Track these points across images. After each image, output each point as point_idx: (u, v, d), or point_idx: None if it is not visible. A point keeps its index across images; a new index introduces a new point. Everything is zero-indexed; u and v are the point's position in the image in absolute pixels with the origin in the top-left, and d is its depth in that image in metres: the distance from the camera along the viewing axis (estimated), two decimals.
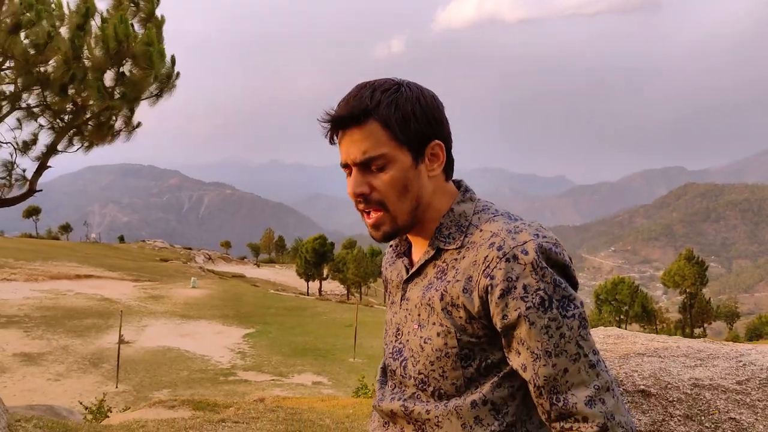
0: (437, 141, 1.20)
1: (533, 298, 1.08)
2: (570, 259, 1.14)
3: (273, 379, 19.77)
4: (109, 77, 10.02)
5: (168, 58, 10.64)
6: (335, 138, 1.21)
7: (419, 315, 1.21)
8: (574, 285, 1.13)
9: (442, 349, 1.16)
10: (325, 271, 62.71)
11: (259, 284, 54.62)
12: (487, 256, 1.12)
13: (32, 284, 35.29)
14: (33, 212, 78.82)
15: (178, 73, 11.14)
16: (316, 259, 59.83)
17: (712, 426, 1.34)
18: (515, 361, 1.13)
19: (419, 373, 1.20)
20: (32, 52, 9.13)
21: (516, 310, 1.09)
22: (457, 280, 1.16)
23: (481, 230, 1.18)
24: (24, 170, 10.46)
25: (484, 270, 1.12)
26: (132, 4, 10.90)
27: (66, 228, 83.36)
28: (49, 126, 10.26)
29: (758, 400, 1.36)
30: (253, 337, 26.92)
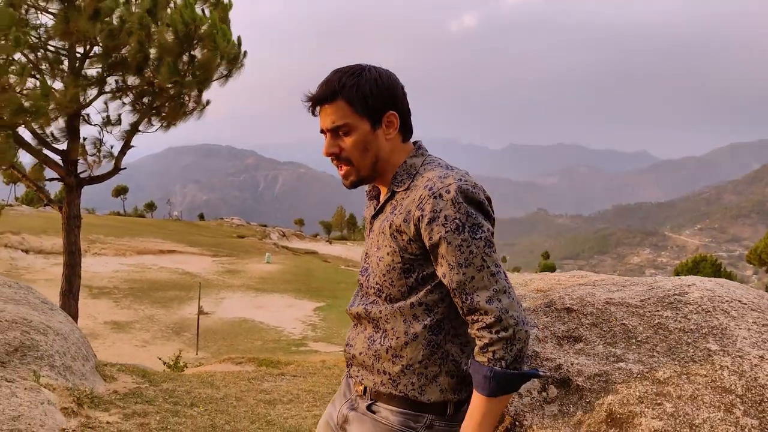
0: (392, 111, 1.57)
1: (451, 225, 1.43)
2: (487, 199, 1.49)
3: (342, 350, 20.44)
4: (182, 60, 10.65)
5: (234, 39, 11.22)
6: (316, 112, 1.58)
7: (378, 240, 1.59)
8: (489, 217, 1.48)
9: (391, 264, 1.54)
10: None
11: (331, 260, 55.76)
12: (421, 194, 1.48)
13: (120, 258, 37.32)
14: (121, 191, 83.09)
15: (245, 53, 11.69)
16: None
17: (608, 329, 1.61)
18: (439, 272, 1.48)
19: (376, 284, 1.58)
20: (104, 35, 9.74)
21: (438, 233, 1.44)
22: (401, 213, 1.52)
23: (422, 176, 1.54)
24: (111, 147, 11.32)
25: (418, 205, 1.48)
26: None
27: (151, 206, 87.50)
28: (131, 107, 11.05)
29: (648, 312, 1.61)
30: (324, 310, 27.72)
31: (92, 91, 10.83)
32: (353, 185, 1.61)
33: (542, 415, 1.55)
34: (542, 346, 1.66)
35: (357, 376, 1.63)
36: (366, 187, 1.74)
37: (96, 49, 10.56)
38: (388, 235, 1.54)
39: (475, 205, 1.45)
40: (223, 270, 37.73)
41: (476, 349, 1.44)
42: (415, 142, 1.65)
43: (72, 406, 3.30)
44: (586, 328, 1.63)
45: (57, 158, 10.47)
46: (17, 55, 9.66)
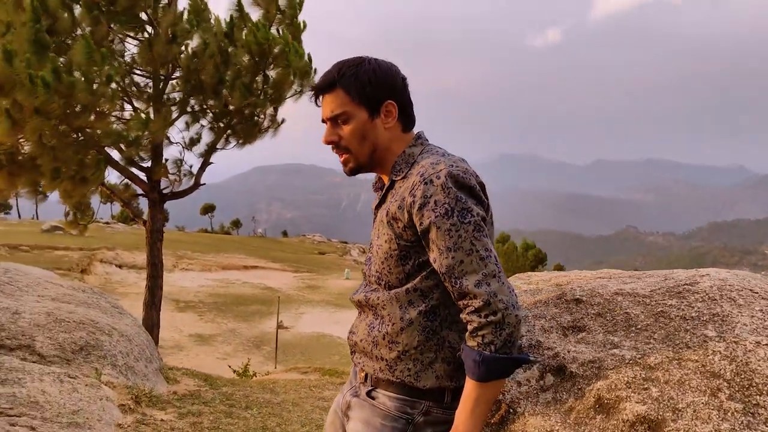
0: (390, 101, 1.60)
1: (440, 210, 1.44)
2: (478, 184, 1.50)
3: None
4: (256, 80, 11.06)
5: (305, 57, 11.55)
6: (318, 102, 1.63)
7: (378, 229, 1.62)
8: (481, 202, 1.50)
9: (388, 251, 1.57)
10: None
11: None
12: (413, 181, 1.51)
13: (206, 273, 38.72)
14: (209, 209, 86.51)
15: (315, 70, 12.02)
16: None
17: (610, 317, 1.61)
18: (431, 257, 1.49)
19: (376, 271, 1.61)
20: (186, 60, 10.25)
21: (428, 218, 1.45)
22: (396, 200, 1.55)
23: (418, 164, 1.56)
24: (191, 166, 11.87)
25: (410, 191, 1.50)
26: (278, 13, 11.85)
27: (236, 224, 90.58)
28: (210, 127, 11.57)
29: (654, 301, 1.60)
30: None
31: (174, 113, 11.42)
32: (352, 172, 1.64)
33: (536, 403, 1.55)
34: (546, 336, 1.65)
35: (359, 363, 1.67)
36: (373, 180, 1.78)
37: (177, 72, 11.15)
38: (385, 223, 1.57)
39: (465, 190, 1.46)
40: (304, 285, 38.47)
41: (467, 334, 1.44)
42: (417, 133, 1.67)
43: (129, 403, 3.48)
44: (591, 318, 1.62)
45: (142, 175, 11.06)
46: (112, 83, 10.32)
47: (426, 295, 1.53)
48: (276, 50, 10.90)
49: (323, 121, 1.63)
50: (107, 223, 44.33)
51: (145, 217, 11.52)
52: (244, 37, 10.78)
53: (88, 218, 12.83)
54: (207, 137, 11.67)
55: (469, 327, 1.43)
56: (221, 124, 11.56)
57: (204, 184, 11.87)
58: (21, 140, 9.24)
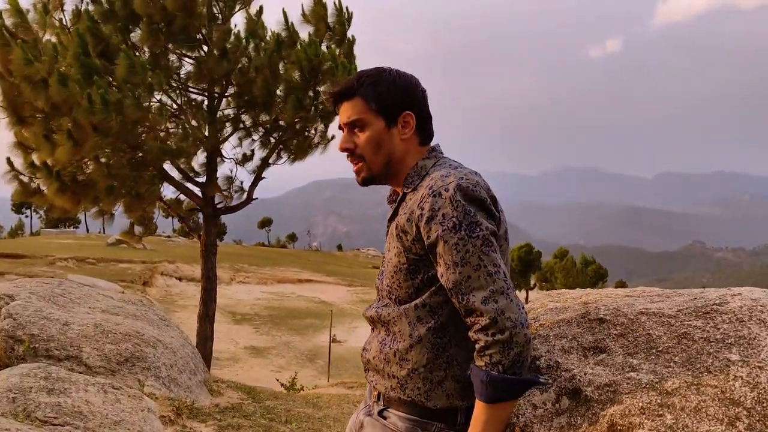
0: (408, 112, 1.58)
1: (448, 223, 1.41)
2: (489, 198, 1.46)
3: None
4: (307, 96, 11.24)
5: (354, 72, 11.67)
6: (337, 109, 1.63)
7: (389, 242, 1.60)
8: (492, 216, 1.46)
9: (398, 265, 1.53)
10: (533, 280, 61.61)
11: None
12: (423, 194, 1.48)
13: (262, 287, 39.35)
14: (266, 223, 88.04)
15: None
16: (522, 267, 59.10)
17: (632, 338, 1.53)
18: (438, 271, 1.45)
19: (387, 286, 1.58)
20: (238, 76, 10.50)
21: (435, 232, 1.42)
22: (405, 213, 1.52)
23: (429, 177, 1.53)
24: (242, 182, 12.11)
25: (418, 204, 1.47)
26: (328, 30, 12.04)
27: (292, 237, 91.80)
28: (262, 142, 11.80)
29: (679, 321, 1.52)
30: None
31: (227, 129, 11.70)
32: (365, 182, 1.63)
33: (549, 427, 1.49)
34: (566, 356, 1.59)
35: (372, 381, 1.63)
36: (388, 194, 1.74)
37: (230, 89, 11.44)
38: (395, 235, 1.54)
39: (476, 203, 1.43)
40: (357, 299, 38.62)
41: (474, 353, 1.40)
42: (432, 146, 1.64)
43: (170, 415, 3.54)
44: (613, 338, 1.56)
45: (197, 190, 11.35)
46: (159, 96, 10.68)
47: (435, 311, 1.49)
48: (325, 66, 11.05)
49: (340, 127, 1.63)
50: (169, 236, 45.67)
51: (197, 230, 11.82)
52: (295, 53, 10.98)
53: (145, 231, 13.22)
54: (259, 153, 11.91)
55: (477, 346, 1.39)
56: (272, 140, 11.77)
57: (256, 198, 12.08)
58: (82, 161, 9.63)
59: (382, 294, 1.62)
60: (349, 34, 12.11)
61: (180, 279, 33.67)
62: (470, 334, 1.40)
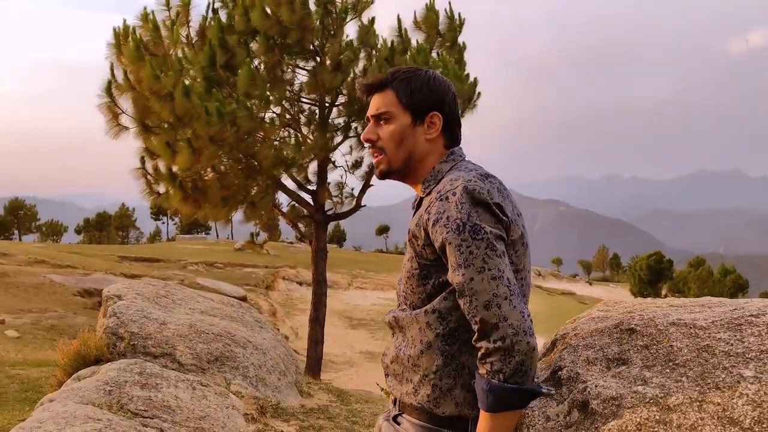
0: (436, 112, 1.57)
1: (452, 225, 1.39)
2: (497, 200, 1.43)
3: None
4: None
5: (467, 80, 11.61)
6: (368, 99, 1.64)
7: (406, 248, 1.59)
8: (498, 219, 1.41)
9: (410, 270, 1.53)
10: (664, 291, 58.26)
11: (588, 302, 53.19)
12: (432, 198, 1.48)
13: (379, 292, 39.90)
14: (383, 230, 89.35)
15: (479, 94, 12.03)
16: (651, 277, 56.07)
17: (655, 350, 1.45)
18: (448, 276, 1.43)
19: (403, 291, 1.57)
20: (349, 86, 10.76)
21: (441, 234, 1.41)
22: (416, 218, 1.52)
23: (442, 181, 1.52)
24: (352, 189, 12.36)
25: (427, 208, 1.47)
26: (438, 36, 12.08)
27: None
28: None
29: (705, 334, 1.42)
30: None
31: (338, 138, 12.00)
32: (382, 175, 1.62)
33: None
34: (588, 368, 1.52)
35: (390, 386, 1.63)
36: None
37: (341, 98, 11.73)
38: (407, 241, 1.55)
39: (482, 206, 1.40)
40: None
41: (477, 360, 1.37)
42: (451, 149, 1.61)
43: (254, 413, 3.67)
44: (637, 350, 1.47)
45: (308, 197, 11.72)
46: (276, 109, 11.17)
47: (444, 317, 1.46)
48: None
49: (367, 118, 1.64)
50: (291, 242, 47.44)
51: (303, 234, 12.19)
52: (406, 61, 11.08)
53: (266, 238, 13.82)
54: (368, 160, 12.10)
55: (479, 353, 1.35)
56: None
57: (365, 205, 12.28)
58: (202, 169, 10.27)
59: (399, 299, 1.61)
60: (460, 39, 12.10)
61: (300, 283, 34.83)
62: (474, 339, 1.37)
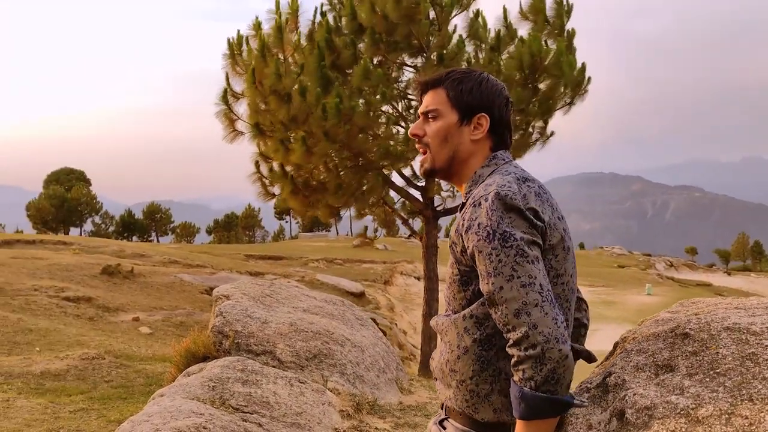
0: (484, 114, 1.56)
1: (482, 233, 1.38)
2: (532, 204, 1.39)
3: None
4: (526, 91, 11.02)
5: (578, 66, 11.19)
6: (421, 98, 1.65)
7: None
8: (532, 224, 1.38)
9: (452, 276, 1.53)
10: None
11: (726, 293, 49.71)
12: (468, 204, 1.47)
13: None
14: None
15: (588, 79, 11.57)
16: None
17: (701, 357, 1.38)
18: (480, 284, 1.42)
19: (446, 296, 1.58)
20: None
21: (472, 242, 1.41)
22: (455, 223, 1.52)
23: (479, 186, 1.50)
24: None
25: (462, 215, 1.48)
26: (547, 24, 11.74)
27: None
28: None
29: (757, 341, 1.33)
30: None
31: None
32: (426, 173, 1.63)
33: None
34: (635, 374, 1.46)
35: (438, 390, 1.63)
36: None
37: None
38: (448, 246, 1.54)
39: (514, 211, 1.38)
40: (598, 300, 36.81)
41: (511, 367, 1.36)
42: (494, 153, 1.59)
43: (349, 410, 3.73)
44: (685, 356, 1.41)
45: (417, 194, 11.77)
46: (385, 107, 11.31)
47: (481, 323, 1.45)
48: (546, 62, 10.78)
49: (418, 115, 1.64)
50: (408, 237, 47.94)
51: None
52: (513, 51, 10.86)
53: (376, 234, 14.06)
54: None
55: (512, 360, 1.33)
56: None
57: None
58: (314, 167, 10.62)
59: (444, 304, 1.62)
60: (569, 26, 11.70)
61: (418, 278, 35.03)
62: (507, 347, 1.35)
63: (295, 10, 10.82)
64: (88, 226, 69.20)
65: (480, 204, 1.41)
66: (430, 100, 1.60)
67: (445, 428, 1.56)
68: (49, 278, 12.75)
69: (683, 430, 1.24)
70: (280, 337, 4.11)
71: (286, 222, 76.82)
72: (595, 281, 45.33)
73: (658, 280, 51.44)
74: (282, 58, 10.43)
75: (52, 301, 10.47)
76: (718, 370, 1.32)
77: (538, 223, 1.39)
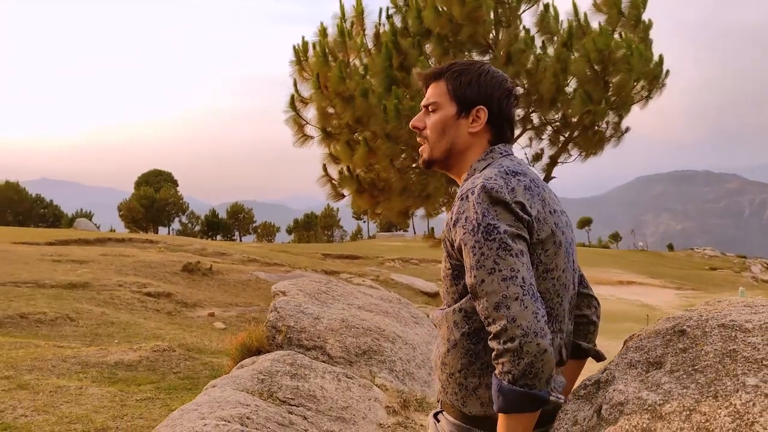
0: (482, 107, 1.56)
1: (468, 226, 1.39)
2: (519, 198, 1.40)
3: None
4: (597, 88, 10.71)
5: (655, 58, 10.78)
6: (424, 90, 1.67)
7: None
8: (518, 217, 1.38)
9: (445, 270, 1.53)
10: None
11: None
12: (455, 198, 1.47)
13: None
14: (585, 223, 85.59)
15: (667, 72, 11.13)
16: None
17: (687, 354, 1.36)
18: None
19: (441, 291, 1.58)
20: (522, 77, 10.51)
21: (459, 235, 1.41)
22: (447, 218, 1.51)
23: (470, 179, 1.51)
24: None
25: (451, 209, 1.47)
26: (621, 16, 11.39)
27: (615, 237, 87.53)
28: (549, 141, 11.61)
29: (744, 338, 1.31)
30: None
31: (517, 131, 11.80)
32: (425, 164, 1.65)
33: None
34: (627, 371, 1.45)
35: (434, 383, 1.71)
36: None
37: (519, 90, 11.50)
38: (442, 240, 1.54)
39: (500, 205, 1.38)
40: (687, 304, 35.16)
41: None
42: (491, 147, 1.58)
43: (395, 406, 3.76)
44: (675, 353, 1.39)
45: None
46: None
47: (469, 317, 1.45)
48: (618, 55, 10.46)
49: (420, 107, 1.66)
50: None
51: None
52: (583, 45, 10.60)
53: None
54: (549, 151, 11.72)
55: (492, 353, 1.33)
56: (562, 137, 11.50)
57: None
58: (382, 170, 10.71)
59: (440, 299, 1.63)
60: (645, 16, 11.31)
61: None
62: (488, 340, 1.35)
63: (360, 13, 10.96)
64: (175, 225, 72.41)
65: (467, 197, 1.41)
66: (430, 93, 1.61)
67: (438, 421, 1.57)
68: (134, 274, 13.46)
69: (645, 425, 1.24)
70: (330, 332, 4.19)
71: (364, 222, 77.66)
72: (684, 284, 43.44)
73: (752, 284, 48.72)
74: (346, 60, 10.60)
75: (134, 296, 11.06)
76: (696, 367, 1.31)
77: (525, 216, 1.39)
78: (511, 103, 1.59)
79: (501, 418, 1.33)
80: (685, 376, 1.30)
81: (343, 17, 10.67)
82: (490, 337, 1.33)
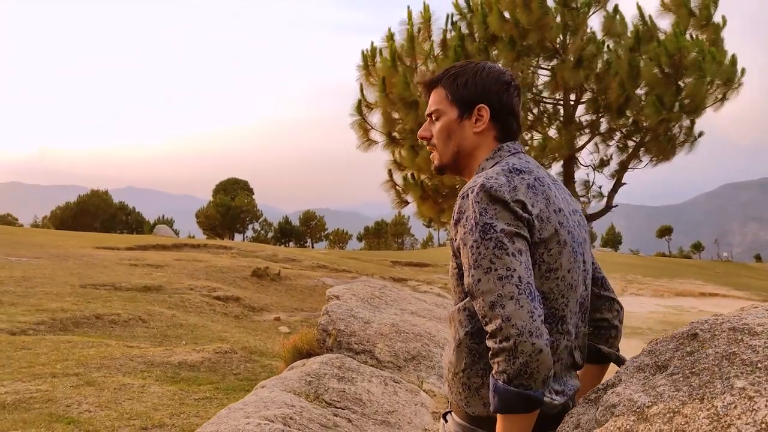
0: (483, 105, 1.56)
1: (468, 225, 1.39)
2: (520, 197, 1.39)
3: None
4: (669, 92, 10.34)
5: (727, 59, 10.32)
6: (427, 99, 1.69)
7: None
8: (518, 216, 1.38)
9: (451, 270, 1.54)
10: None
11: None
12: (458, 196, 1.47)
13: (658, 299, 36.92)
14: (665, 232, 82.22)
15: (743, 71, 10.62)
16: None
17: (691, 357, 1.33)
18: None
19: (451, 288, 1.56)
20: (593, 81, 10.26)
21: (460, 234, 1.42)
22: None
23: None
24: (600, 187, 11.73)
25: (454, 208, 1.47)
26: (691, 16, 10.99)
27: (697, 247, 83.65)
28: (617, 147, 11.26)
29: (748, 341, 1.27)
30: None
31: (585, 136, 11.50)
32: (437, 170, 1.65)
33: None
34: (634, 374, 1.43)
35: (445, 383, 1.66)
36: None
37: (586, 94, 11.24)
38: (448, 239, 1.58)
39: (499, 203, 1.37)
40: None
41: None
42: (499, 145, 1.58)
43: (442, 412, 3.74)
44: (681, 356, 1.36)
45: None
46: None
47: (473, 316, 1.44)
48: (689, 58, 10.07)
49: (425, 116, 1.69)
50: None
51: None
52: (653, 49, 10.27)
53: None
54: (618, 157, 11.38)
55: (489, 353, 1.33)
56: (632, 143, 11.15)
57: (616, 205, 11.55)
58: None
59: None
60: (717, 16, 10.85)
61: None
62: (486, 340, 1.34)
63: (427, 19, 10.98)
64: (249, 232, 74.31)
65: (467, 196, 1.42)
66: (432, 101, 1.63)
67: (447, 421, 1.57)
68: (205, 279, 13.91)
69: (628, 426, 1.22)
70: (380, 337, 4.21)
71: (435, 230, 77.34)
72: None
73: None
74: (413, 66, 10.64)
75: (204, 299, 11.43)
76: (694, 369, 1.29)
77: (525, 215, 1.38)
78: (512, 95, 1.58)
79: (499, 419, 1.32)
80: (681, 378, 1.28)
81: (410, 23, 10.73)
82: (487, 336, 1.33)
